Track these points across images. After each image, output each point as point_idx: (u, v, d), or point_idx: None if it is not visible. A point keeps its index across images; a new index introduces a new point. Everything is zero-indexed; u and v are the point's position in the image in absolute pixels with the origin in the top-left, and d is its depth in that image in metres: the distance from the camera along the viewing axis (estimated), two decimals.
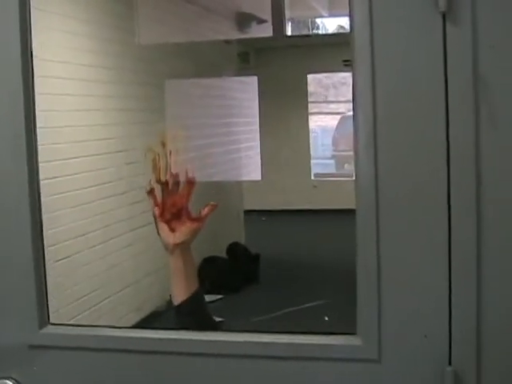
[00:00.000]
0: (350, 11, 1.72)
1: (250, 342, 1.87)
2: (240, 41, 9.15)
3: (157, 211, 2.01)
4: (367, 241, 1.73)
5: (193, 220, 2.03)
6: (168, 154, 2.05)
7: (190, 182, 2.05)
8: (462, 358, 1.71)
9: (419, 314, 1.73)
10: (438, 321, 1.71)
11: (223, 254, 8.13)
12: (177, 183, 2.05)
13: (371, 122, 1.70)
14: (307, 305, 6.16)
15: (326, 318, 5.64)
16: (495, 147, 1.66)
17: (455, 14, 1.64)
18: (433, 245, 1.70)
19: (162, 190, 2.03)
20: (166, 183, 2.04)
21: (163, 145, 2.07)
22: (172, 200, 2.03)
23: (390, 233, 1.72)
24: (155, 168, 2.05)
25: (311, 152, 12.25)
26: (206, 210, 2.04)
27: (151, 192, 2.02)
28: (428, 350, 1.72)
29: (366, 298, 1.75)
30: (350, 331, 1.78)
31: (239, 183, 9.18)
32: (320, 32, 11.72)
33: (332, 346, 1.81)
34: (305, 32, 11.38)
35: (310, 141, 12.32)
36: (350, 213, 1.78)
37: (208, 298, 7.38)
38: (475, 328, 1.69)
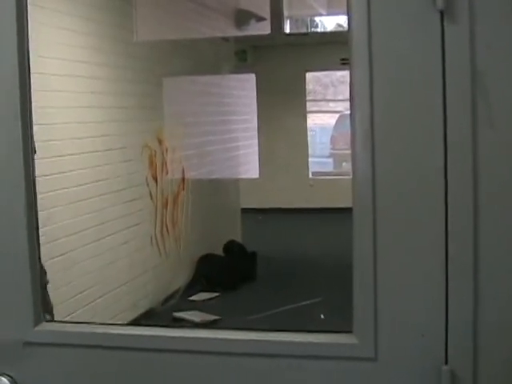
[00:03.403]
0: (347, 10, 1.72)
1: (246, 340, 1.86)
2: (238, 38, 9.13)
3: None
4: (364, 239, 1.73)
5: None
6: (164, 151, 2.06)
7: None
8: (458, 356, 1.70)
9: (416, 312, 1.72)
10: (434, 320, 1.71)
11: (220, 252, 8.12)
12: None
13: (368, 120, 1.70)
14: (303, 303, 6.16)
15: (322, 316, 5.64)
16: (492, 145, 1.66)
17: (453, 13, 1.63)
18: (430, 244, 1.70)
19: None
20: None
21: (160, 142, 2.08)
22: None
23: (386, 231, 1.71)
24: (151, 165, 2.06)
25: (309, 150, 12.25)
26: None
27: None
28: (424, 349, 1.72)
29: (362, 297, 1.74)
30: (347, 329, 1.78)
31: (236, 181, 9.17)
32: (318, 30, 11.72)
33: (328, 345, 1.80)
34: (303, 30, 11.38)
35: (308, 139, 12.32)
36: (347, 211, 1.78)
37: (205, 295, 7.37)
38: (472, 327, 1.69)
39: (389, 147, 1.70)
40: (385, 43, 1.69)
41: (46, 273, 3.86)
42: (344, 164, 12.45)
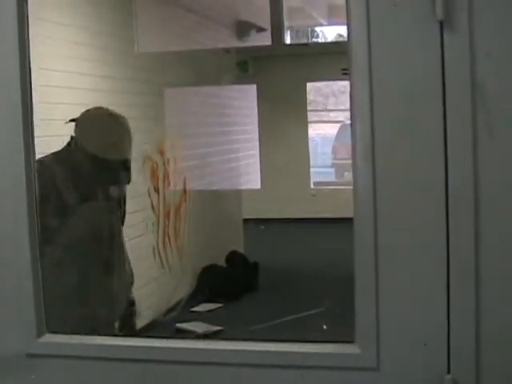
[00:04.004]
0: (347, 20, 1.72)
1: (248, 351, 1.86)
2: (239, 49, 9.14)
3: None
4: (365, 249, 1.73)
5: None
6: (166, 162, 2.06)
7: None
8: (460, 366, 1.70)
9: (418, 322, 1.72)
10: (436, 329, 1.71)
11: (222, 263, 8.11)
12: None
13: (369, 130, 1.70)
14: (306, 313, 6.15)
15: (325, 327, 5.62)
16: (493, 154, 1.66)
17: (452, 23, 1.64)
18: (431, 253, 1.70)
19: None
20: None
21: (161, 153, 2.08)
22: None
23: (387, 241, 1.72)
24: (153, 176, 2.06)
25: (311, 160, 12.24)
26: None
27: None
28: (427, 358, 1.72)
29: (363, 307, 1.75)
30: (349, 339, 1.78)
31: (238, 192, 9.16)
32: (319, 40, 11.73)
33: (330, 355, 1.81)
34: (304, 40, 11.38)
35: (310, 149, 12.31)
36: (350, 221, 1.78)
37: (207, 306, 7.32)
38: (474, 336, 1.69)
39: (389, 157, 1.71)
40: (384, 53, 1.70)
41: (134, 303, 3.52)
42: (346, 174, 12.44)
